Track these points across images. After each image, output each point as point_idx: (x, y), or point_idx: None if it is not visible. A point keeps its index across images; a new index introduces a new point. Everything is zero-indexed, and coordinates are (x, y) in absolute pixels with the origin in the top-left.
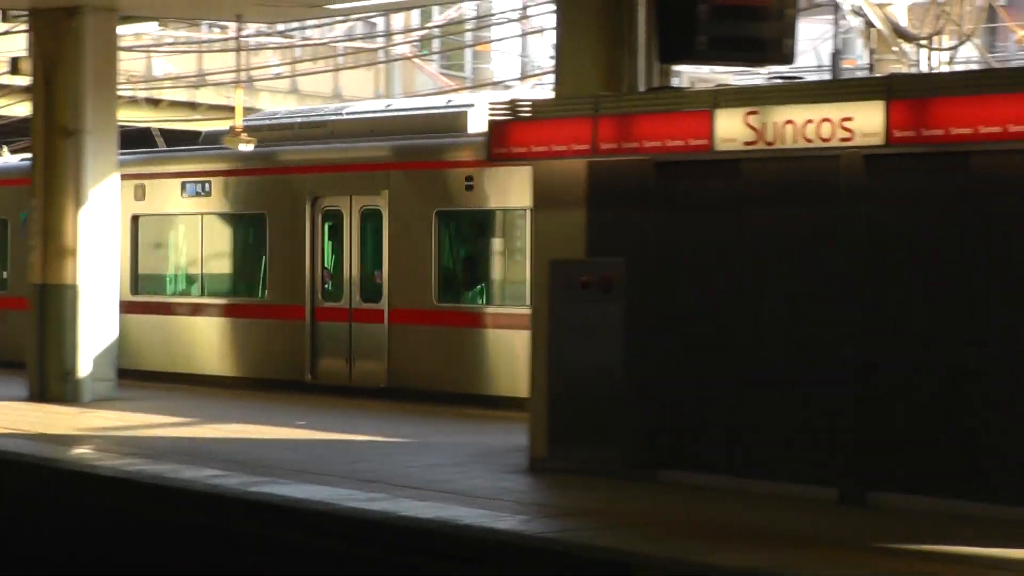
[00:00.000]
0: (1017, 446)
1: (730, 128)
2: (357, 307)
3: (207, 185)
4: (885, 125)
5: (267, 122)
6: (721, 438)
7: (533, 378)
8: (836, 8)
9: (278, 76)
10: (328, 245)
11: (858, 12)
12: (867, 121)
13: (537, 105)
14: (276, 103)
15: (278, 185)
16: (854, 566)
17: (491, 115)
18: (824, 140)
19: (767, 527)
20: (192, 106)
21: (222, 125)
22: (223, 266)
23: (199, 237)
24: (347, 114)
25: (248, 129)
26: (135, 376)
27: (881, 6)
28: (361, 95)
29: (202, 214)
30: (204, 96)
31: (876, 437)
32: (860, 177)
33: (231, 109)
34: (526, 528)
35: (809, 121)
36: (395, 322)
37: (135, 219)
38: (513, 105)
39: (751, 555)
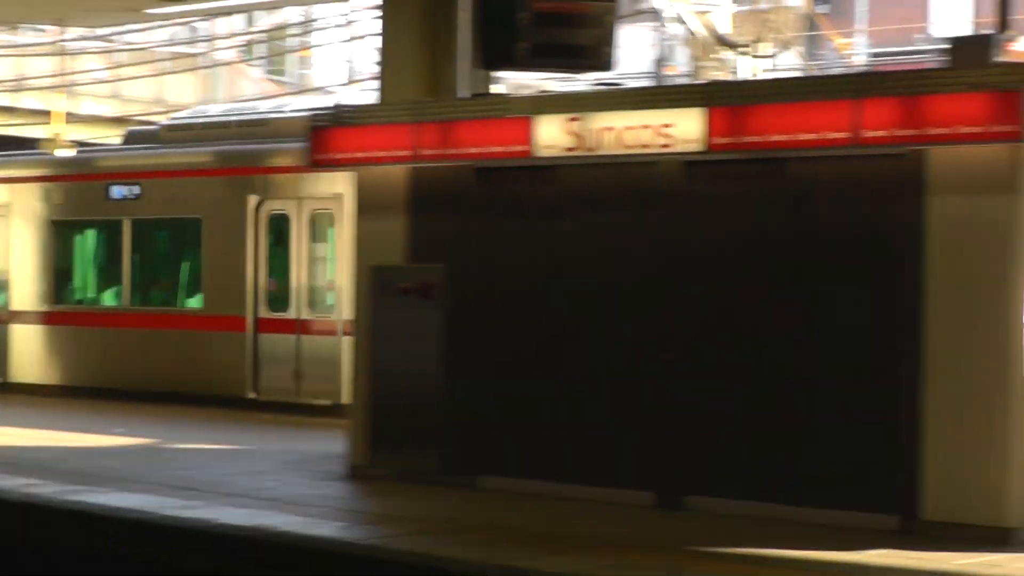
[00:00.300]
0: (827, 450)
1: (550, 134)
2: (306, 318)
3: (135, 187)
4: (705, 132)
5: (200, 120)
6: (540, 443)
7: (354, 384)
8: (658, 16)
9: (100, 81)
10: (273, 252)
11: (679, 20)
12: (687, 128)
13: (360, 111)
14: (98, 107)
15: (216, 187)
16: (669, 569)
17: (313, 121)
18: (644, 146)
19: (585, 531)
20: (10, 110)
21: (42, 130)
22: (153, 274)
23: (127, 243)
24: (291, 112)
25: (180, 128)
26: (53, 392)
27: (702, 13)
28: (185, 101)
29: (130, 218)
30: (24, 100)
31: (693, 441)
32: (680, 183)
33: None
34: (343, 535)
35: (629, 128)
36: (350, 334)
37: (55, 225)
38: (336, 111)
39: (568, 559)
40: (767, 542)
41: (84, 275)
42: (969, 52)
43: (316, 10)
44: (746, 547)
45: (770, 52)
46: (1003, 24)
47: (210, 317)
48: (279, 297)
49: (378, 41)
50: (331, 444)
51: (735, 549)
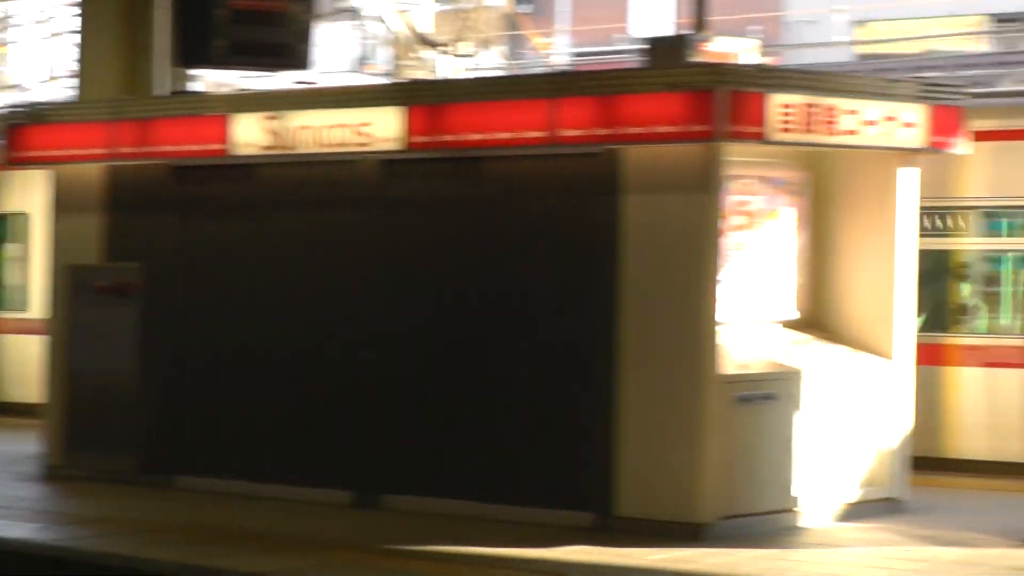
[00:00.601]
0: (523, 448)
1: (248, 133)
2: None
3: None
4: (403, 131)
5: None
6: (238, 443)
7: (50, 385)
8: (358, 15)
9: None
10: None
11: (380, 19)
12: (385, 127)
13: (57, 108)
14: None
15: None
16: (365, 568)
17: (9, 119)
18: (342, 145)
19: (282, 531)
20: None
21: None
22: None
23: None
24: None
25: None
26: None
27: (403, 12)
28: None
29: None
30: None
31: (389, 440)
32: (378, 182)
33: None
34: (37, 536)
35: (328, 126)
36: None
37: None
38: (32, 108)
39: (264, 558)
40: (464, 540)
41: None
42: (665, 52)
43: (12, 6)
44: (443, 545)
45: (470, 51)
46: (699, 25)
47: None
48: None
49: (76, 38)
50: (26, 444)
51: (432, 547)
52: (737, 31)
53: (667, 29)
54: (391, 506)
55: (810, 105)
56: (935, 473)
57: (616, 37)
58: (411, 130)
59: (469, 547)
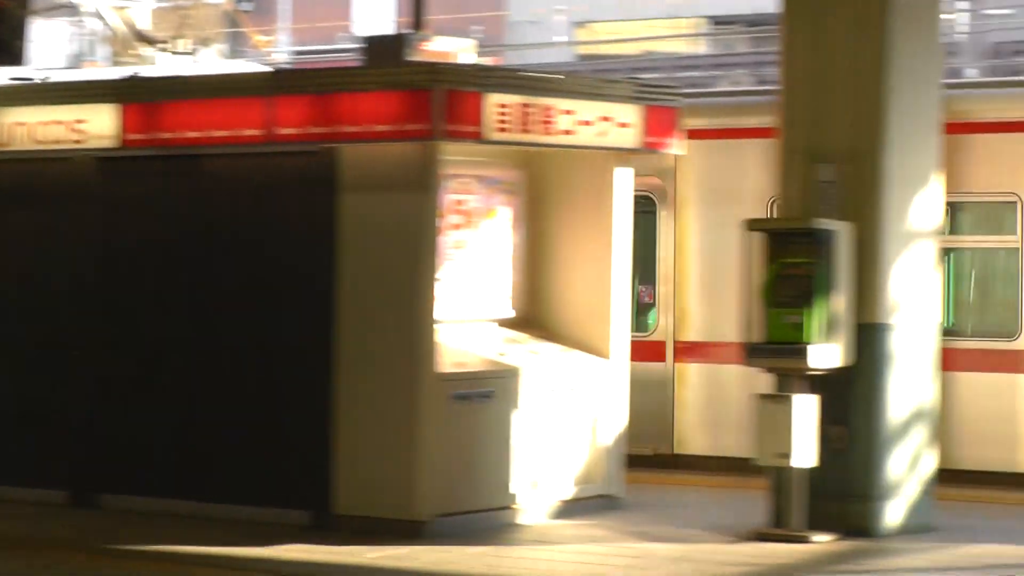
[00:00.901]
0: (241, 447)
1: None
2: None
3: None
4: (118, 128)
5: None
6: None
7: None
8: (76, 10)
9: None
10: None
11: (99, 15)
12: (100, 124)
13: None
14: None
15: None
16: (81, 569)
17: None
18: (58, 142)
19: None
20: None
21: None
22: None
23: None
24: None
25: None
26: None
27: (121, 9)
28: None
29: None
30: None
31: (106, 439)
32: (94, 180)
33: None
34: None
35: (43, 123)
36: None
37: None
38: None
39: None
40: (184, 539)
41: None
42: (383, 51)
43: None
44: (160, 544)
45: (190, 48)
46: (417, 24)
47: None
48: None
49: None
50: None
51: (149, 547)
52: (460, 31)
53: (388, 28)
54: (109, 506)
55: (526, 105)
56: (663, 471)
57: (339, 36)
58: (127, 127)
59: (187, 546)
